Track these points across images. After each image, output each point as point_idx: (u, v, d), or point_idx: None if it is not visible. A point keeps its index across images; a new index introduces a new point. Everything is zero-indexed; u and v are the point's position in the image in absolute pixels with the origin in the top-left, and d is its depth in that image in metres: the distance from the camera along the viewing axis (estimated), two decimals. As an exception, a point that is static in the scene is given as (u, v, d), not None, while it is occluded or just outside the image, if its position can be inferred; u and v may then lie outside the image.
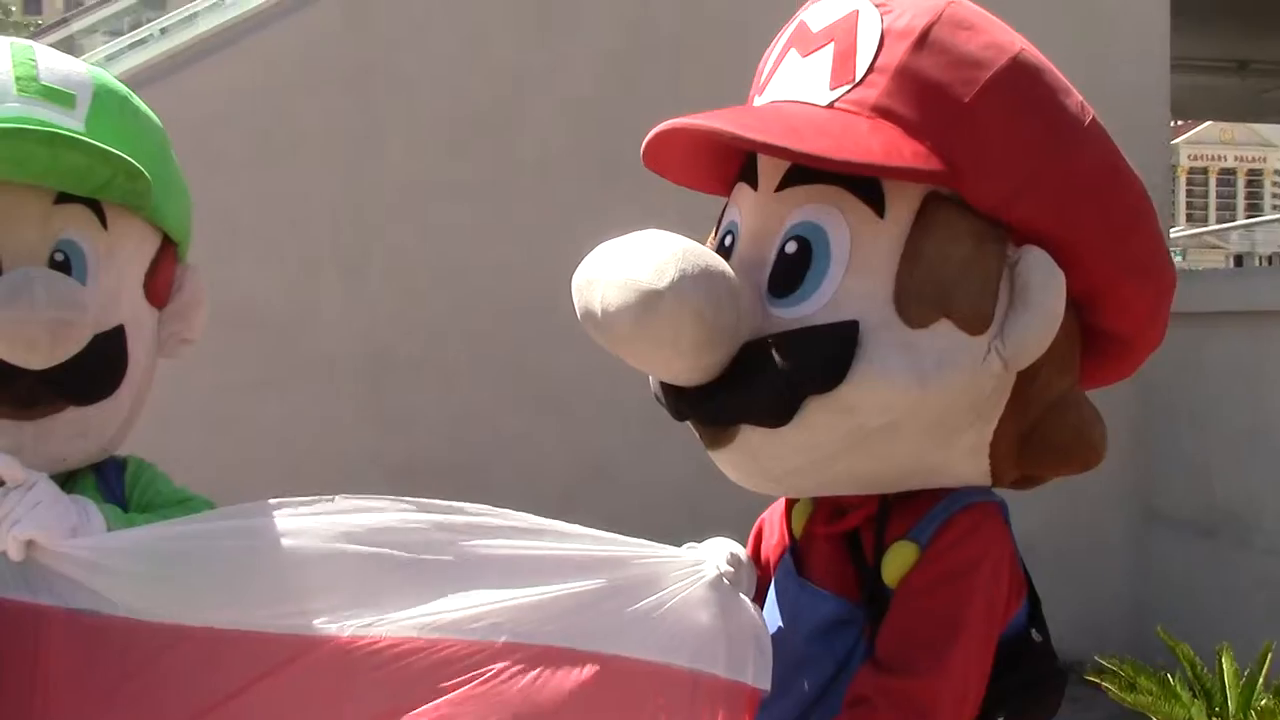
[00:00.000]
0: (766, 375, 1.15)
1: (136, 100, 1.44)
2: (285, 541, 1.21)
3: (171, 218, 1.45)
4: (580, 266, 1.17)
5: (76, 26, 5.38)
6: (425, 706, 1.15)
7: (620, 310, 1.11)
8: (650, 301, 1.10)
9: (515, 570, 1.20)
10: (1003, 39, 1.18)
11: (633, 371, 1.19)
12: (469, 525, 1.22)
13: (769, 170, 1.21)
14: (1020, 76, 1.17)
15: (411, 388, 3.82)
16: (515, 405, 3.85)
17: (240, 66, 3.79)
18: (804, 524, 1.33)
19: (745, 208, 1.24)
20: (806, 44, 1.22)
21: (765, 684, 1.21)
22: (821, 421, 1.15)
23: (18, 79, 1.31)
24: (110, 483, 1.42)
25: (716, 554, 1.27)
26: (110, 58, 4.33)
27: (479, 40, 3.91)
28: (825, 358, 1.14)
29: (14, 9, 27.31)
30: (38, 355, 1.27)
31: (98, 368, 1.35)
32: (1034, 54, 1.19)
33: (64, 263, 1.33)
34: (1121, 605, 4.25)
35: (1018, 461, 1.25)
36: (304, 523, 1.22)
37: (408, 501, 1.23)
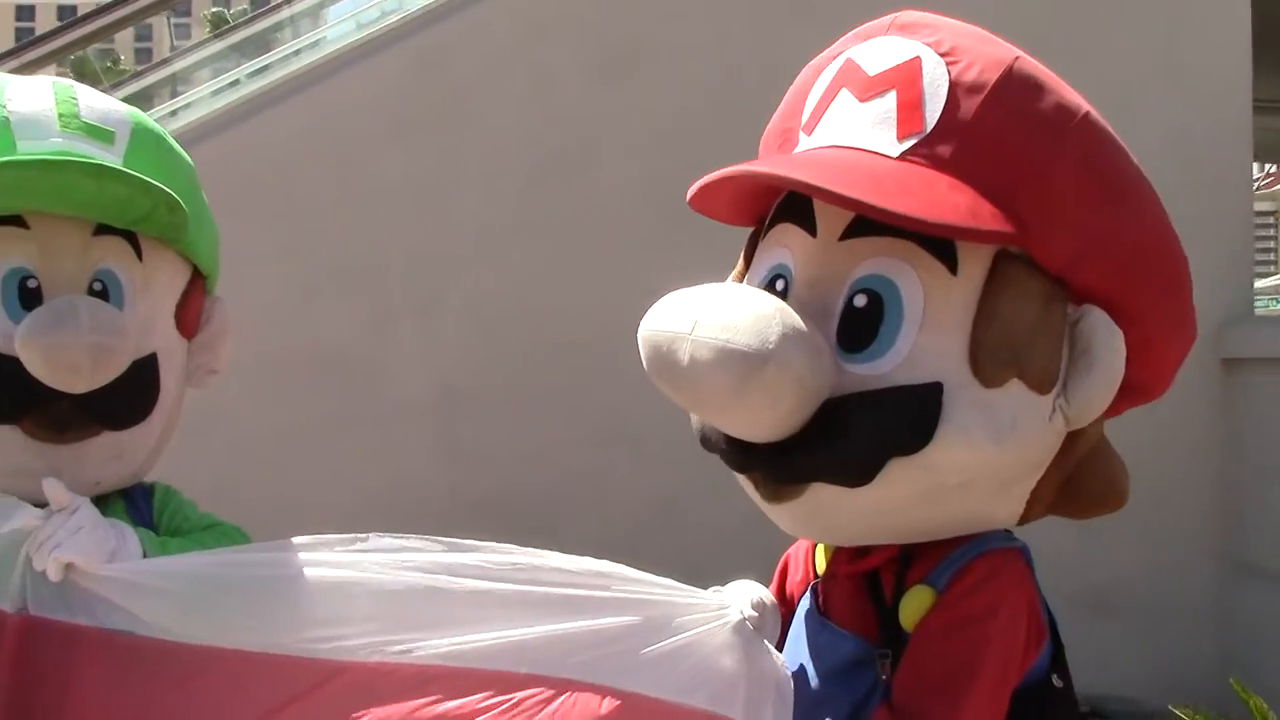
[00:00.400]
0: (851, 436, 1.13)
1: (170, 139, 1.50)
2: (319, 572, 1.23)
3: (202, 251, 1.50)
4: (653, 317, 1.14)
5: (162, 74, 5.55)
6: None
7: (716, 375, 1.08)
8: (754, 370, 1.07)
9: (543, 605, 1.20)
10: (1071, 99, 1.18)
11: (703, 409, 1.18)
12: (500, 563, 1.23)
13: (830, 217, 1.19)
14: (1089, 138, 1.18)
15: (485, 426, 3.84)
16: (586, 442, 3.85)
17: (316, 112, 3.88)
18: (827, 562, 1.33)
19: (800, 253, 1.22)
20: (863, 89, 1.20)
21: None
22: (900, 480, 1.15)
23: (60, 115, 1.37)
24: (139, 507, 1.47)
25: (742, 598, 1.26)
26: (189, 105, 4.47)
27: (551, 83, 3.96)
28: (912, 419, 1.13)
29: (123, 58, 28.26)
30: (80, 379, 1.31)
31: (132, 393, 1.39)
32: (1097, 116, 1.20)
33: (102, 291, 1.38)
34: (1206, 659, 4.12)
35: (1050, 507, 1.27)
36: (338, 556, 1.24)
37: (440, 541, 1.24)
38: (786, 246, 1.24)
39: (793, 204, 1.23)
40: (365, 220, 3.83)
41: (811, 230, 1.21)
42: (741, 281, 1.31)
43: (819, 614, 1.31)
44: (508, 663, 1.18)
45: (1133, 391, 1.26)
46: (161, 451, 1.50)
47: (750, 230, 1.34)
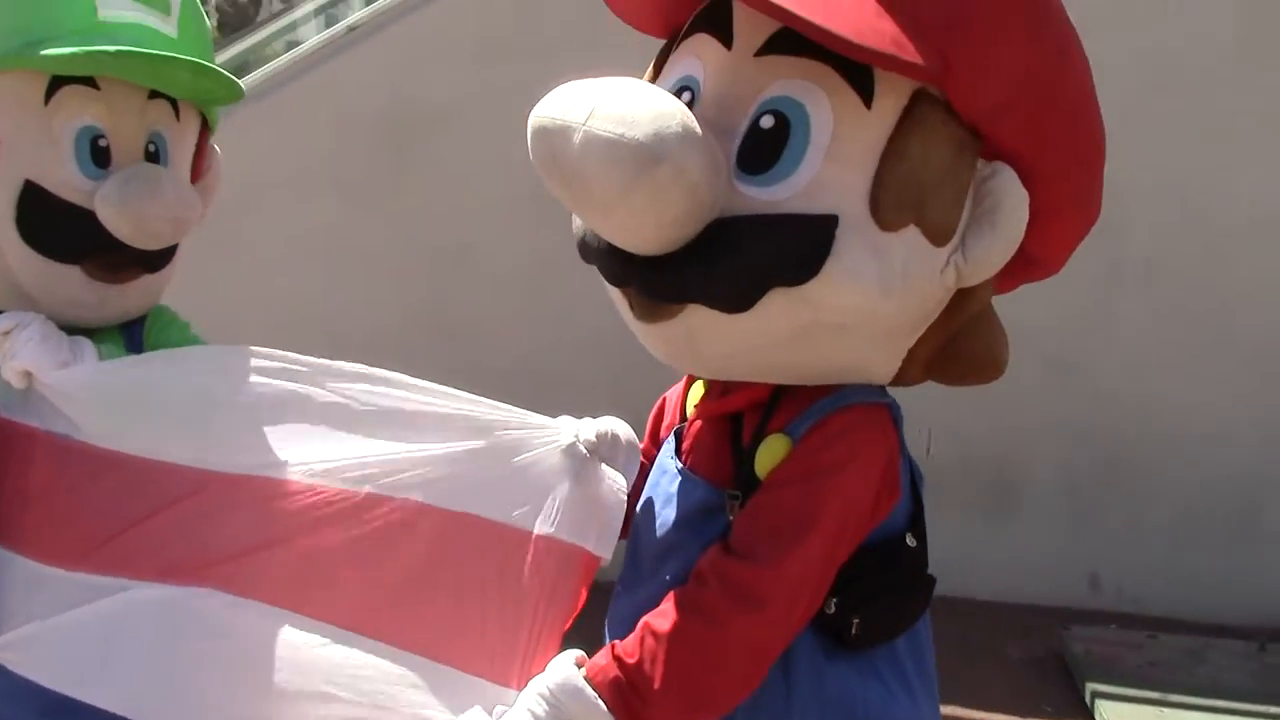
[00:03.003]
0: (734, 259, 1.08)
1: (200, 4, 1.67)
2: (206, 385, 1.39)
3: (215, 108, 1.69)
4: (547, 103, 1.06)
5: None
6: (293, 538, 1.31)
7: (605, 170, 1.02)
8: (646, 167, 1.01)
9: (393, 424, 1.32)
10: None
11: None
12: (356, 381, 1.36)
13: (748, 30, 1.13)
14: None
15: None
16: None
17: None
18: (696, 404, 1.31)
19: (712, 65, 1.15)
20: None
21: (606, 553, 1.27)
22: (778, 313, 1.11)
23: None
24: (132, 328, 1.64)
25: (586, 427, 1.29)
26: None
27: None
28: (801, 251, 1.08)
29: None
30: (158, 243, 1.52)
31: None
32: None
33: (155, 153, 1.56)
34: None
35: (927, 367, 1.25)
36: (226, 373, 1.39)
37: (311, 361, 1.39)
38: (698, 57, 1.18)
39: (712, 14, 1.17)
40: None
41: (727, 42, 1.14)
42: None
43: (678, 460, 1.29)
44: (354, 482, 1.31)
45: (1026, 264, 1.23)
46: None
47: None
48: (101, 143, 1.51)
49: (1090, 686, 3.30)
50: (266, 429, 1.37)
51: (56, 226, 1.47)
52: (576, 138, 1.02)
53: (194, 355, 1.49)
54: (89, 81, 1.48)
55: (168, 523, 1.35)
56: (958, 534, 3.95)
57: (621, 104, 1.03)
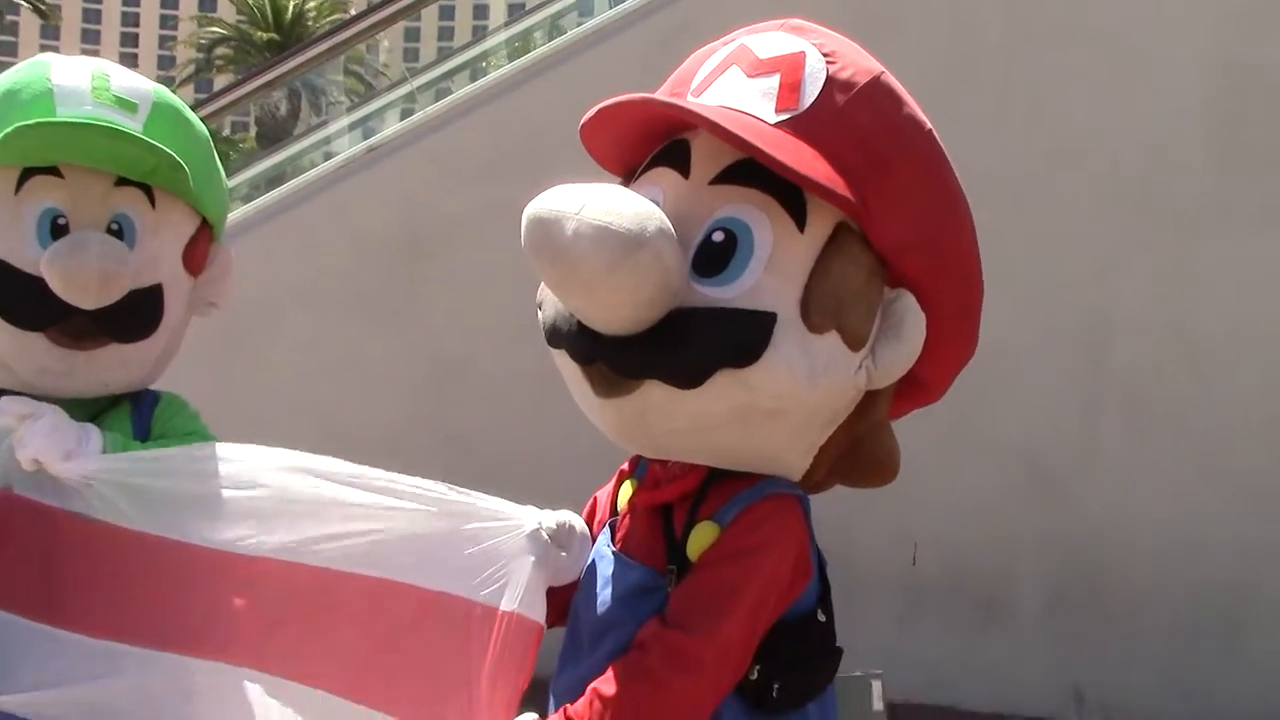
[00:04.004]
0: (691, 341, 1.27)
1: (187, 111, 1.82)
2: (210, 481, 1.56)
3: (210, 205, 1.81)
4: (541, 199, 1.25)
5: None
6: (291, 616, 1.48)
7: (595, 251, 1.20)
8: (630, 251, 1.20)
9: (379, 514, 1.48)
10: (920, 116, 1.38)
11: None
12: (345, 475, 1.52)
13: (705, 163, 1.35)
14: (931, 151, 1.38)
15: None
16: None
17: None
18: (629, 499, 1.47)
19: (672, 191, 1.36)
20: (752, 67, 1.37)
21: (540, 618, 1.42)
22: (723, 393, 1.29)
23: (94, 88, 1.68)
24: (142, 412, 1.77)
25: (549, 517, 1.45)
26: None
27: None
28: (745, 339, 1.28)
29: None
30: (89, 296, 1.62)
31: (137, 315, 1.70)
32: (937, 136, 1.39)
33: (118, 231, 1.69)
34: None
35: (833, 467, 1.43)
36: (224, 465, 1.56)
37: (309, 458, 1.54)
38: (658, 185, 1.38)
39: (669, 153, 1.39)
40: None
41: (685, 172, 1.36)
42: None
43: (613, 546, 1.45)
44: (323, 559, 1.47)
45: (914, 389, 1.44)
46: (165, 365, 1.80)
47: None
48: (60, 221, 1.66)
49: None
50: (256, 520, 1.53)
51: (19, 296, 1.64)
52: (569, 225, 1.21)
53: (188, 454, 1.62)
54: (54, 171, 1.65)
55: (181, 599, 1.52)
56: (944, 645, 4.05)
57: (609, 200, 1.24)
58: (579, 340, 1.32)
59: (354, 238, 4.41)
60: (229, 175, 6.28)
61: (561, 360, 1.39)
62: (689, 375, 1.29)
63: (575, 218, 1.21)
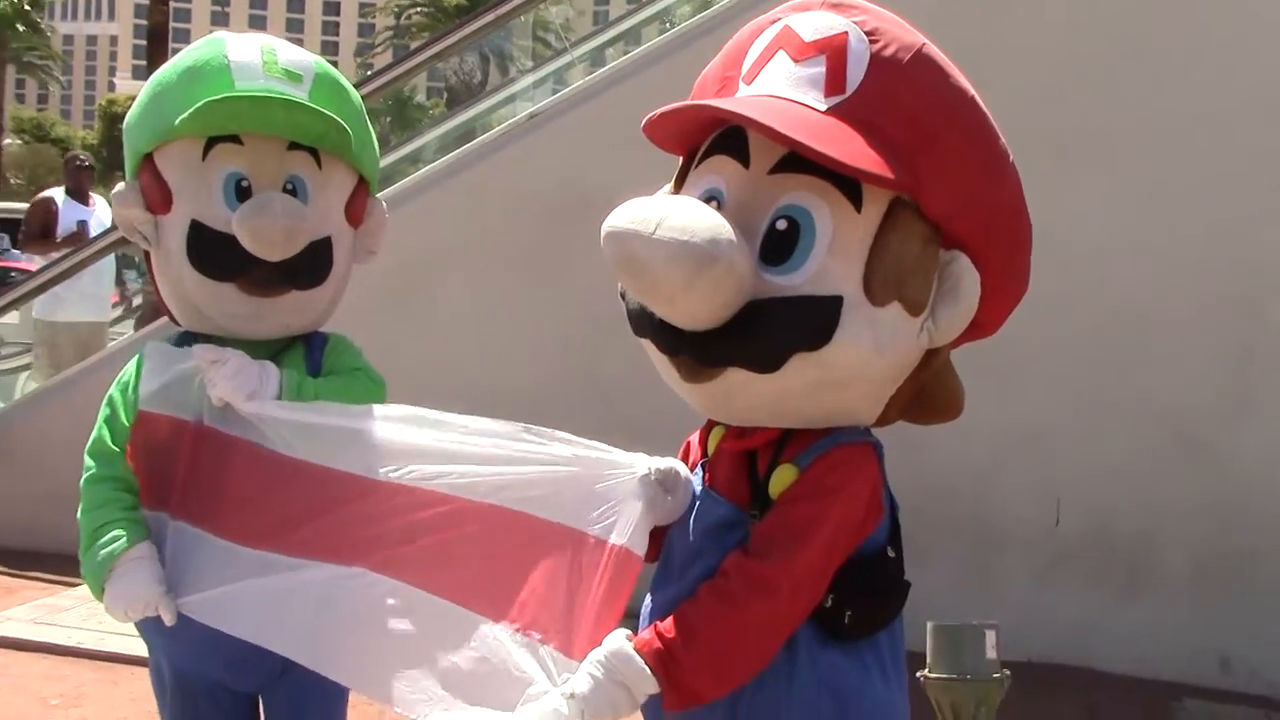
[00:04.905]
0: (767, 331, 1.38)
1: (345, 81, 2.03)
2: (364, 422, 1.78)
3: (366, 163, 2.03)
4: (619, 215, 1.36)
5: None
6: (429, 534, 1.68)
7: (673, 267, 1.31)
8: (706, 266, 1.31)
9: (511, 457, 1.66)
10: (964, 83, 1.45)
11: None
12: (476, 427, 1.70)
13: (762, 154, 1.42)
14: (975, 115, 1.45)
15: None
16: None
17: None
18: (717, 444, 1.59)
19: (734, 181, 1.45)
20: (798, 51, 1.45)
21: (642, 553, 1.54)
22: (798, 372, 1.41)
23: (264, 63, 1.90)
24: (314, 351, 2.01)
25: (658, 463, 1.57)
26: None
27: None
28: (816, 323, 1.39)
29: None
30: (275, 250, 1.86)
31: (313, 264, 1.93)
32: (981, 101, 1.46)
33: (293, 191, 1.91)
34: None
35: (902, 411, 1.55)
36: (379, 414, 1.78)
37: (455, 416, 1.73)
38: (720, 174, 1.46)
39: (728, 139, 1.46)
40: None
41: (745, 162, 1.44)
42: None
43: (704, 485, 1.57)
44: (478, 494, 1.65)
45: (973, 327, 1.52)
46: (333, 310, 2.03)
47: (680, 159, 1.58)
48: (243, 183, 1.89)
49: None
50: (401, 456, 1.74)
51: (212, 252, 1.87)
52: (647, 241, 1.33)
53: (346, 408, 1.84)
54: (234, 139, 1.88)
55: (335, 517, 1.75)
56: (1083, 606, 4.05)
57: (684, 216, 1.34)
58: (663, 334, 1.44)
59: (514, 201, 4.63)
60: (417, 139, 6.65)
61: (649, 346, 1.51)
62: (768, 361, 1.40)
63: (653, 236, 1.32)
